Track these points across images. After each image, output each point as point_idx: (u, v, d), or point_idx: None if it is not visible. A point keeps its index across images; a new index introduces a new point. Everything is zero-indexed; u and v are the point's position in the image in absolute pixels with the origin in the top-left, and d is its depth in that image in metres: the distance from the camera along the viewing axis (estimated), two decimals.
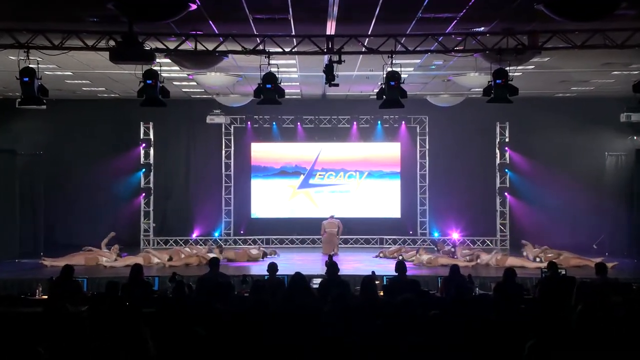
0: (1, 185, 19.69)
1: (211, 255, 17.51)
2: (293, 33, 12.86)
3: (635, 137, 21.63)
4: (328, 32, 12.63)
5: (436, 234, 23.01)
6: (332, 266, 10.88)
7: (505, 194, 22.90)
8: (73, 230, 21.94)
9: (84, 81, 18.61)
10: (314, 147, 23.33)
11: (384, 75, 12.99)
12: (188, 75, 17.15)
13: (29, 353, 4.96)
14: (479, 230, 22.72)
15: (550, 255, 17.73)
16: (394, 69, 12.77)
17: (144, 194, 22.86)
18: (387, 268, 15.74)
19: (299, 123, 22.98)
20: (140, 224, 22.81)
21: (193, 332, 6.01)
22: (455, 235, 22.53)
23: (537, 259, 17.56)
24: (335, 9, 11.18)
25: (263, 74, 12.85)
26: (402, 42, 12.82)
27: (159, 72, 12.77)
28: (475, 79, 16.01)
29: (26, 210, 20.08)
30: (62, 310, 6.94)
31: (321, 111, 22.89)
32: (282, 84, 13.08)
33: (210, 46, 12.83)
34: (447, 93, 19.63)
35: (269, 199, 23.31)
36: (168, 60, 14.00)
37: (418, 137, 23.29)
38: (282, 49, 12.86)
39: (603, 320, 6.24)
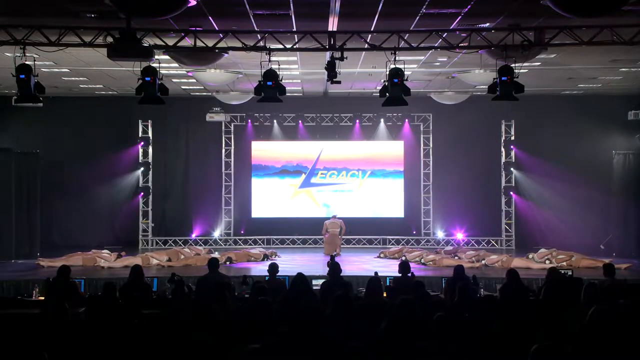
0: None
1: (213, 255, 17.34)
2: (294, 29, 12.75)
3: None
4: (330, 28, 12.52)
5: (440, 234, 22.82)
6: (334, 267, 10.70)
7: (511, 193, 22.71)
8: (70, 231, 21.85)
9: (81, 78, 18.47)
10: (315, 146, 23.16)
11: (387, 72, 12.82)
12: (187, 72, 16.98)
13: (33, 356, 4.90)
14: (484, 230, 22.54)
15: (561, 257, 17.48)
16: (397, 65, 12.58)
17: (142, 194, 22.68)
18: (389, 269, 15.59)
19: (300, 121, 22.81)
20: (138, 223, 22.62)
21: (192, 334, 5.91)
22: (460, 236, 22.33)
23: (547, 261, 17.31)
24: (337, 4, 11.08)
25: (264, 71, 12.67)
26: (405, 38, 12.71)
27: (157, 69, 12.57)
28: (480, 76, 15.92)
29: (22, 210, 19.85)
30: (62, 311, 6.77)
31: (323, 109, 22.73)
32: (283, 81, 12.90)
33: (210, 42, 12.71)
34: (451, 90, 19.50)
35: (270, 199, 23.12)
36: (167, 57, 13.87)
37: (422, 136, 23.11)
38: (283, 45, 12.72)
39: (611, 323, 6.06)
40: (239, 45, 12.64)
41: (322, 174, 23.16)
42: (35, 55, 12.65)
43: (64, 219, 22.07)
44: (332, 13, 11.58)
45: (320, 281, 11.15)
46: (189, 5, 10.22)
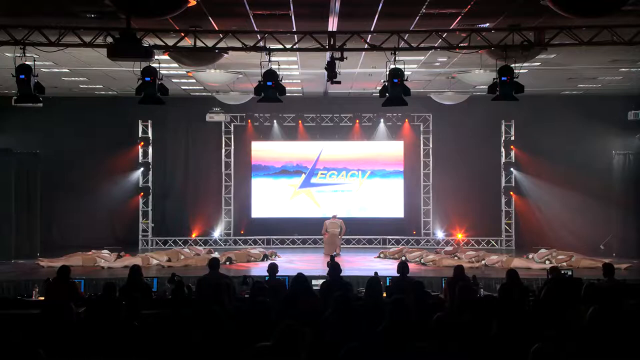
0: None
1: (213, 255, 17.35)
2: (294, 29, 12.74)
3: None
4: (330, 29, 12.50)
5: (440, 234, 22.83)
6: (334, 267, 10.68)
7: (511, 193, 22.69)
8: (70, 231, 21.82)
9: (81, 78, 18.47)
10: (315, 146, 23.16)
11: (387, 73, 12.80)
12: (187, 72, 16.95)
13: (29, 355, 4.92)
14: (483, 230, 22.54)
15: (561, 257, 17.48)
16: (397, 66, 12.56)
17: (142, 194, 22.65)
18: (389, 269, 15.59)
19: (300, 121, 22.83)
20: (138, 224, 22.61)
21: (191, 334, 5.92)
22: (460, 236, 22.33)
23: (547, 261, 17.31)
24: (337, 4, 11.07)
25: (264, 71, 12.65)
26: (405, 38, 12.68)
27: (157, 69, 12.56)
28: (480, 76, 15.91)
29: (22, 210, 19.88)
30: (67, 310, 6.77)
31: (323, 109, 22.73)
32: (283, 81, 12.89)
33: (210, 43, 12.70)
34: (451, 90, 19.48)
35: (270, 199, 23.12)
36: (167, 57, 13.87)
37: (422, 136, 23.12)
38: (283, 45, 12.70)
39: (612, 324, 6.06)
40: (239, 45, 12.62)
41: (322, 174, 23.16)
42: (35, 56, 12.63)
43: (63, 219, 22.06)
44: (332, 13, 11.57)
45: (320, 281, 11.13)
46: (189, 5, 10.21)
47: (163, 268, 17.20)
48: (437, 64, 16.32)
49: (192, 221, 22.80)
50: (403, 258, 17.67)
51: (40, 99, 12.79)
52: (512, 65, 12.53)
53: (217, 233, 22.90)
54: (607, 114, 21.07)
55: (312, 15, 11.94)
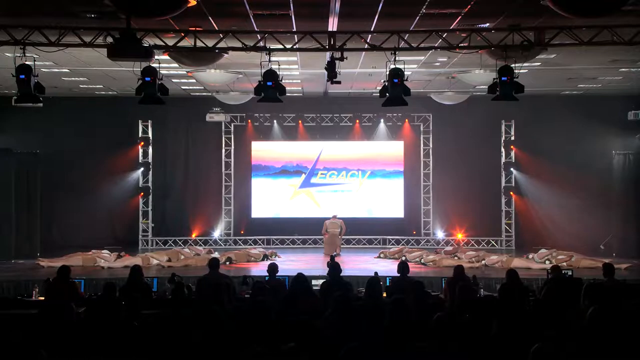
0: None
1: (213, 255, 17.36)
2: (294, 29, 12.73)
3: None
4: (330, 29, 12.51)
5: (440, 234, 22.83)
6: (334, 267, 10.68)
7: (511, 193, 22.69)
8: (70, 231, 21.83)
9: (81, 78, 18.48)
10: (315, 146, 23.17)
11: (387, 73, 12.80)
12: (187, 72, 16.95)
13: (31, 355, 4.95)
14: (483, 230, 22.55)
15: (561, 257, 17.49)
16: (397, 66, 12.56)
17: (142, 194, 22.65)
18: (389, 269, 15.60)
19: (300, 121, 22.84)
20: (138, 224, 22.61)
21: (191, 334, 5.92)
22: (460, 236, 22.34)
23: (547, 261, 17.32)
24: (337, 4, 11.08)
25: (264, 71, 12.65)
26: (405, 38, 12.68)
27: (157, 69, 12.55)
28: (480, 76, 15.91)
29: (22, 210, 19.89)
30: (68, 310, 6.76)
31: (323, 109, 22.74)
32: (283, 81, 12.89)
33: (210, 43, 12.69)
34: (451, 90, 19.48)
35: (270, 199, 23.12)
36: (167, 57, 13.86)
37: (422, 136, 23.13)
38: (283, 45, 12.70)
39: (612, 324, 6.06)
40: (239, 45, 12.62)
41: (322, 174, 23.17)
42: (35, 56, 12.62)
43: (64, 219, 22.06)
44: (332, 13, 11.58)
45: (320, 281, 11.14)
46: (189, 5, 10.21)
47: (163, 268, 17.20)
48: (437, 64, 16.32)
49: (192, 221, 22.81)
50: (403, 258, 17.66)
51: (40, 99, 12.78)
52: (512, 65, 12.51)
53: (217, 233, 22.91)
54: (607, 114, 21.06)
55: (312, 15, 11.94)
